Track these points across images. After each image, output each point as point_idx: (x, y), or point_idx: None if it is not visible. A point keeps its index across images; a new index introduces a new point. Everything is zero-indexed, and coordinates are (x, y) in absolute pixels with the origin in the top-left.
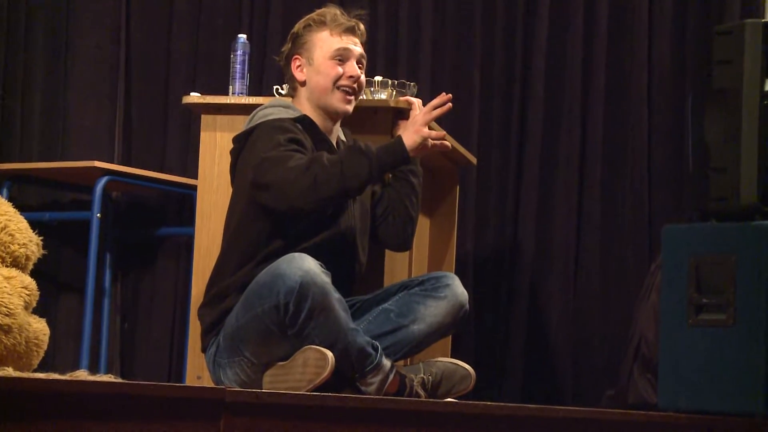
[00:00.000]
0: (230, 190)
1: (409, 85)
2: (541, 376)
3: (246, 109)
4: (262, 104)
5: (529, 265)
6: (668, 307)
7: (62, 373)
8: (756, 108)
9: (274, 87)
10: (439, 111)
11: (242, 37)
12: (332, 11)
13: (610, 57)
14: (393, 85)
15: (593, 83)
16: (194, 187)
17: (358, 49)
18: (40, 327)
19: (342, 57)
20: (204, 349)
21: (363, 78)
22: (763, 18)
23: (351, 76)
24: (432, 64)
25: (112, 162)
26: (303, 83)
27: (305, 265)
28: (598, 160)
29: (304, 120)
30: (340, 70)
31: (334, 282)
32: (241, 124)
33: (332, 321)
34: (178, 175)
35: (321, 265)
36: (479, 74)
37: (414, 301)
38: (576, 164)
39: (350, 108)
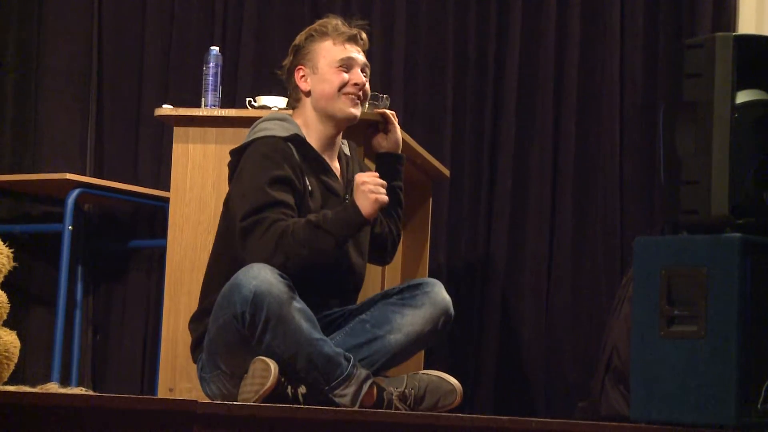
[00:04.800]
0: (202, 202)
1: (382, 97)
2: (513, 388)
3: (218, 122)
4: (248, 117)
5: (502, 277)
6: (640, 319)
7: (33, 386)
8: (727, 120)
9: (247, 99)
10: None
11: (215, 49)
12: (333, 21)
13: (582, 70)
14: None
15: (565, 96)
16: (166, 200)
17: (361, 57)
18: (10, 339)
19: (346, 65)
20: (195, 361)
21: (368, 86)
22: (735, 31)
23: (356, 84)
24: (405, 77)
25: (83, 174)
26: (308, 93)
27: (261, 274)
28: (569, 172)
29: (295, 139)
30: (345, 76)
31: (325, 295)
32: (213, 136)
33: (292, 331)
34: (150, 188)
35: (280, 275)
36: (452, 87)
37: (391, 310)
38: (548, 177)
39: (357, 112)
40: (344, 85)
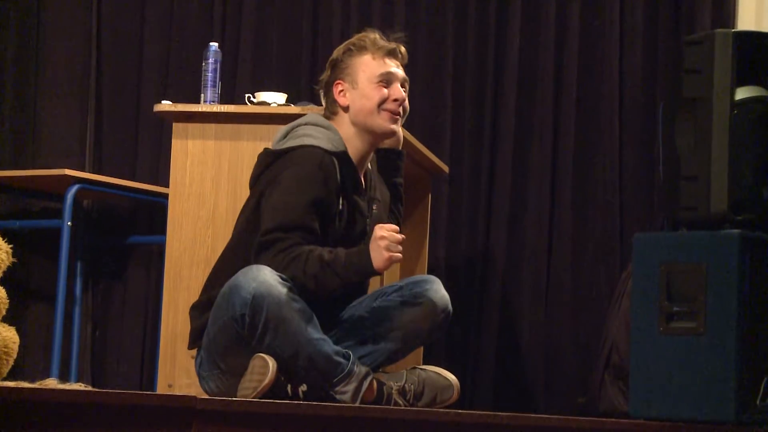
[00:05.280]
0: (201, 197)
1: None
2: (512, 384)
3: (217, 117)
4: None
5: (501, 273)
6: (639, 315)
7: (32, 381)
8: (726, 117)
9: (246, 95)
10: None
11: (214, 45)
12: (371, 35)
13: (582, 67)
14: None
15: (565, 92)
16: (165, 195)
17: (400, 72)
18: (9, 335)
19: (386, 80)
20: (190, 347)
21: (407, 102)
22: (734, 28)
23: (396, 99)
24: (405, 73)
25: (83, 170)
26: (346, 108)
27: (260, 276)
28: (569, 168)
29: (342, 156)
30: (385, 92)
31: (331, 300)
32: (212, 132)
33: (292, 332)
34: (150, 184)
35: (280, 276)
36: (451, 83)
37: (390, 308)
38: (547, 173)
39: (397, 128)
40: (384, 100)
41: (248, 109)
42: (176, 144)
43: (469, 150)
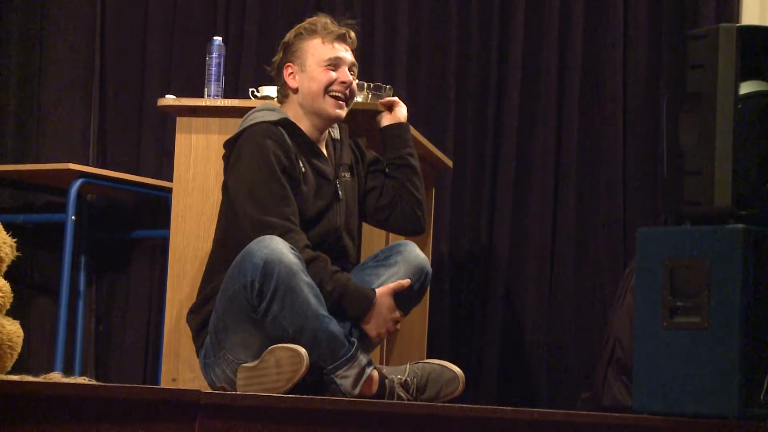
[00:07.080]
0: (205, 192)
1: (385, 87)
2: (516, 379)
3: (221, 112)
4: (251, 107)
5: (504, 268)
6: (643, 310)
7: (36, 375)
8: (730, 111)
9: (250, 89)
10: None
11: (217, 39)
12: (323, 20)
13: (585, 61)
14: (369, 87)
15: (568, 87)
16: (169, 190)
17: (349, 56)
18: (13, 329)
19: (334, 64)
20: (198, 351)
21: (355, 85)
22: (738, 22)
23: (343, 82)
24: (407, 68)
25: (86, 164)
26: (295, 90)
27: (272, 244)
28: (572, 163)
29: (285, 123)
30: (333, 75)
31: None
32: (216, 126)
33: (299, 303)
34: (153, 178)
35: (292, 247)
36: (454, 78)
37: (367, 274)
38: (551, 168)
39: (342, 113)
40: (331, 83)
41: (252, 103)
42: (180, 138)
43: (472, 145)
